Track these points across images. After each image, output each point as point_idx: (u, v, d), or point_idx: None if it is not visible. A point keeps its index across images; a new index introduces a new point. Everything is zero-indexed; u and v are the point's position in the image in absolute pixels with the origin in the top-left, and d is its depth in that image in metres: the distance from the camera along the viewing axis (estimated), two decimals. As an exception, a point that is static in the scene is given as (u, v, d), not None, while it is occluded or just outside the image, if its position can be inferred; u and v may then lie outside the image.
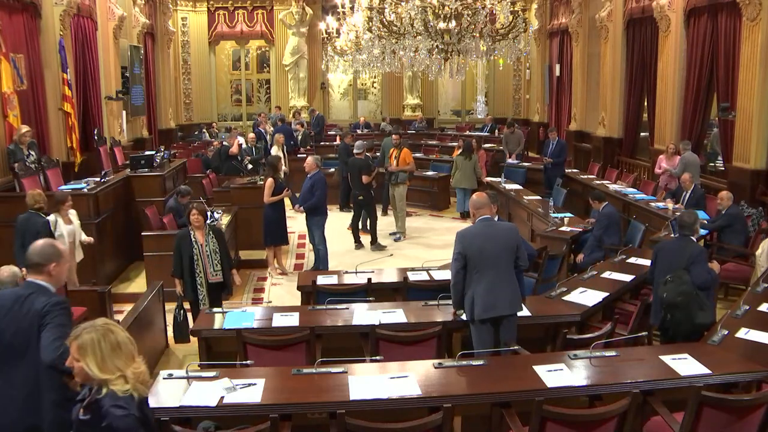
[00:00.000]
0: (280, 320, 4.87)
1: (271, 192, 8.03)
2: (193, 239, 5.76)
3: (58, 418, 3.13)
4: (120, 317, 5.70)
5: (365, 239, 9.56)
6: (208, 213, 6.75)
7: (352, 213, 9.95)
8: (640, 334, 4.88)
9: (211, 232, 5.87)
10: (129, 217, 8.49)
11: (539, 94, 16.86)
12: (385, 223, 10.33)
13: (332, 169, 11.84)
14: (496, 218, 5.16)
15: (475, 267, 4.51)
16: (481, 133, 15.72)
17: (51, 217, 6.35)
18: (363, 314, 4.95)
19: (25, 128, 8.12)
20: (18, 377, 3.18)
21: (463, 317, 4.68)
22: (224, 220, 7.99)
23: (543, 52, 16.43)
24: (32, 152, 8.15)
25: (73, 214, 6.73)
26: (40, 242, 3.43)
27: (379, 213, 10.12)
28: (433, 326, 4.62)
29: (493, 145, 14.30)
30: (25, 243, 6.11)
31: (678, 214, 7.61)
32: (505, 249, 4.56)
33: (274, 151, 11.30)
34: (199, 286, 5.77)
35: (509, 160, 12.62)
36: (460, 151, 11.34)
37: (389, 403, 3.62)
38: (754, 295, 5.16)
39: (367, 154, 9.89)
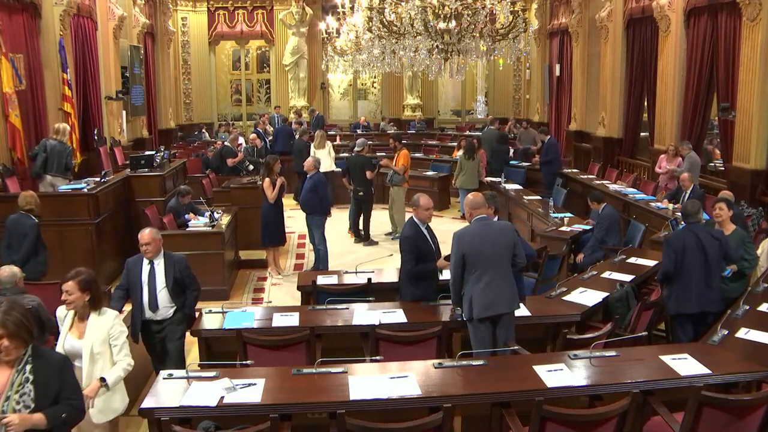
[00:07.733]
0: (280, 320, 4.87)
1: (272, 191, 8.03)
2: None
3: None
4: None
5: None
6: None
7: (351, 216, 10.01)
8: (640, 334, 4.88)
9: (31, 359, 2.94)
10: (129, 217, 8.48)
11: (539, 94, 16.85)
12: (382, 223, 10.35)
13: (338, 169, 11.83)
14: (495, 218, 5.16)
15: (473, 266, 4.51)
16: (481, 134, 15.69)
17: None
18: (363, 314, 4.95)
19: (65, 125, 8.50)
20: None
21: (464, 316, 4.68)
22: (224, 220, 7.99)
23: (543, 52, 16.41)
24: None
25: None
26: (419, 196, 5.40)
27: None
28: (433, 326, 4.62)
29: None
30: (11, 243, 6.13)
31: (678, 214, 7.63)
32: (503, 247, 4.57)
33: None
34: None
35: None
36: (463, 151, 11.20)
37: (389, 403, 3.62)
38: (754, 295, 5.15)
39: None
